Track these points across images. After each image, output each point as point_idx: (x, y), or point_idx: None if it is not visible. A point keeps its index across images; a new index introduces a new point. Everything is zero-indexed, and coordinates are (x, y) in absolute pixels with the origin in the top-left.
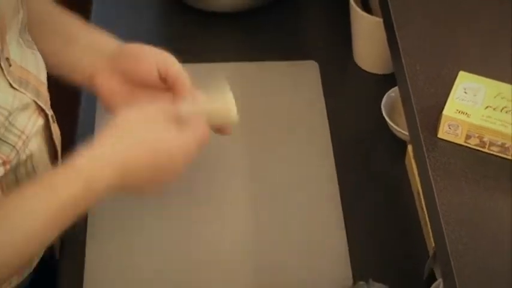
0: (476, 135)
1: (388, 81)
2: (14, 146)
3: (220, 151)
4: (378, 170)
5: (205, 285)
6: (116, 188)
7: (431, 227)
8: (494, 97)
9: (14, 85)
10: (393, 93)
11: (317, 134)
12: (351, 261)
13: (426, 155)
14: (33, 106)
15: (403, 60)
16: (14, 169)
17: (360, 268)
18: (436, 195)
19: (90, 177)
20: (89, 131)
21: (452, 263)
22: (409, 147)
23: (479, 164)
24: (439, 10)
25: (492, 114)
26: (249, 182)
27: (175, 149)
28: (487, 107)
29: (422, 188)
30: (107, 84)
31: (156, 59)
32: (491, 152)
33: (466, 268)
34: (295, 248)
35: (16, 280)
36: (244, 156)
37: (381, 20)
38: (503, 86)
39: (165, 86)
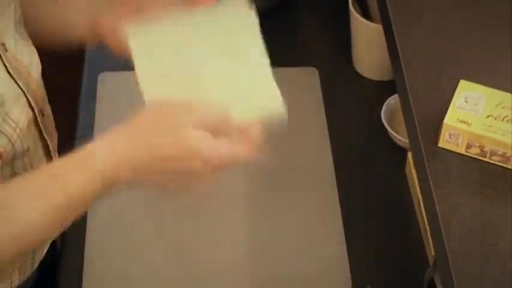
0: (477, 144)
1: (388, 87)
2: (9, 139)
3: None
4: (378, 177)
5: (205, 285)
6: (128, 183)
7: (431, 236)
8: (495, 106)
9: (11, 71)
10: (393, 100)
11: (317, 140)
12: (350, 269)
13: (427, 165)
14: (24, 99)
15: (403, 69)
16: (11, 163)
17: (360, 276)
18: (436, 204)
19: (101, 171)
20: (89, 131)
21: (452, 271)
22: (409, 155)
23: (480, 174)
24: (440, 18)
25: (493, 123)
26: (248, 187)
27: (202, 155)
28: (488, 116)
29: (422, 196)
30: (112, 24)
31: None
32: (492, 162)
33: (466, 277)
34: (294, 254)
35: (18, 279)
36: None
37: (380, 26)
38: (505, 95)
39: None
